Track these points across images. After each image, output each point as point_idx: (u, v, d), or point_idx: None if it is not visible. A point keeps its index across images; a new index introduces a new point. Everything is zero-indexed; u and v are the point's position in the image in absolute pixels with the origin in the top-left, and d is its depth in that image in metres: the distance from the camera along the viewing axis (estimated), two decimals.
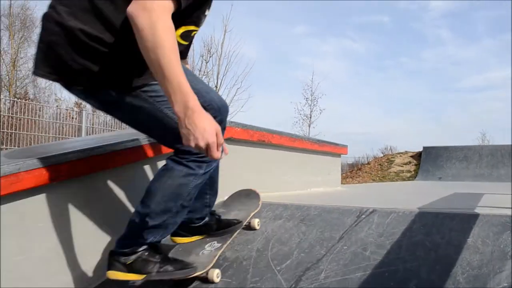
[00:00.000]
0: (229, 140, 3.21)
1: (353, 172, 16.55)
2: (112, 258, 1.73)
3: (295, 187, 4.26)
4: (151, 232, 1.73)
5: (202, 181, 1.80)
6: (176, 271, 1.78)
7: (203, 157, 1.69)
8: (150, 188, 1.74)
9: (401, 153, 17.20)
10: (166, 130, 1.65)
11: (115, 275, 1.71)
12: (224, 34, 21.82)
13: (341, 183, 5.61)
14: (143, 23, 1.32)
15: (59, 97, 21.53)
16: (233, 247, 2.33)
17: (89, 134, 12.21)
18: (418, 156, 15.82)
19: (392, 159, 16.41)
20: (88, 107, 18.70)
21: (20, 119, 11.48)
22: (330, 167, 5.21)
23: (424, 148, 15.41)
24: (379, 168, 15.83)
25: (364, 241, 2.20)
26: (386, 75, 40.03)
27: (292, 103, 29.01)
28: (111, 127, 14.34)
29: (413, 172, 14.78)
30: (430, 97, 38.74)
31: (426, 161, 14.91)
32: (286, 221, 2.58)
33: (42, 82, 22.42)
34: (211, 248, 2.11)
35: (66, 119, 12.93)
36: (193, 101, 1.37)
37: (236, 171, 3.31)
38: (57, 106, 17.97)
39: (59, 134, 12.32)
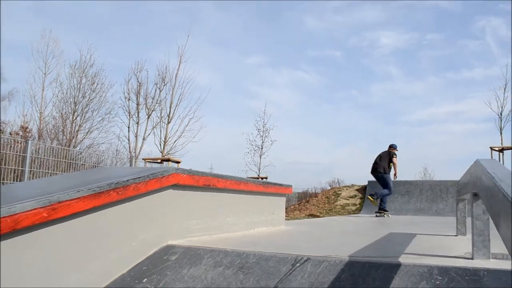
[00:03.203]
0: (175, 186, 3.33)
1: (301, 204, 16.88)
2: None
3: (240, 228, 4.40)
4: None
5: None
6: None
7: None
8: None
9: (348, 186, 17.78)
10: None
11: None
12: (179, 64, 21.95)
13: (290, 216, 5.79)
14: (396, 163, 9.50)
15: (3, 121, 20.65)
16: None
17: (34, 164, 11.78)
18: (363, 189, 16.44)
19: (339, 192, 16.93)
20: (33, 134, 18.05)
21: None
22: (274, 207, 5.40)
23: (369, 182, 16.00)
24: (326, 201, 16.26)
25: None
26: (336, 107, 41.54)
27: (244, 133, 29.21)
28: (57, 157, 13.89)
29: (358, 206, 15.31)
30: (379, 130, 40.48)
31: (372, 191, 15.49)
32: (226, 268, 2.71)
33: None
34: None
35: (9, 146, 12.40)
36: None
37: (179, 217, 3.42)
38: (0, 130, 17.24)
39: (2, 163, 11.77)
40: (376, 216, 10.44)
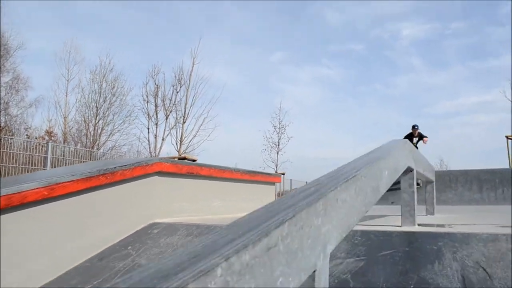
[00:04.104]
0: (160, 173, 3.96)
1: None
2: None
3: (228, 212, 5.00)
4: None
5: None
6: None
7: None
8: None
9: None
10: None
11: None
12: (193, 66, 22.73)
13: None
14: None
15: (29, 126, 21.87)
16: (149, 256, 3.05)
17: (55, 165, 12.67)
18: None
19: None
20: (58, 138, 19.10)
21: None
22: (264, 194, 5.98)
23: None
24: None
25: None
26: (360, 101, 41.59)
27: (260, 131, 29.83)
28: (81, 158, 14.83)
29: None
30: (402, 123, 40.43)
31: None
32: (194, 237, 3.32)
33: (14, 110, 22.77)
34: None
35: (35, 149, 13.39)
36: None
37: (165, 200, 4.05)
38: (27, 135, 18.37)
39: (28, 164, 12.76)
40: None
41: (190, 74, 22.89)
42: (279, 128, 25.32)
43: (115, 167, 3.44)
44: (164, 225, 3.69)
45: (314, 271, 1.08)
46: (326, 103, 40.61)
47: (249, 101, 39.30)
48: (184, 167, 4.23)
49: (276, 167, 24.37)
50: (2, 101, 21.25)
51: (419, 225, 3.33)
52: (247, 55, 37.65)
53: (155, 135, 22.96)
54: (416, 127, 11.66)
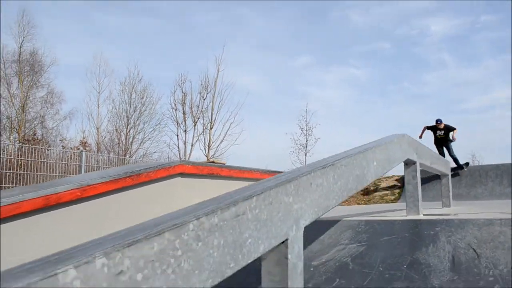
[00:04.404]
0: (182, 174, 4.27)
1: None
2: None
3: None
4: None
5: None
6: None
7: None
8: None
9: (388, 177, 18.08)
10: None
11: None
12: (217, 73, 23.20)
13: None
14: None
15: (64, 137, 22.84)
16: None
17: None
18: (402, 179, 16.71)
19: (378, 183, 17.28)
20: (92, 148, 19.87)
21: (27, 161, 12.63)
22: None
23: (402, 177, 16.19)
24: (365, 192, 16.69)
25: None
26: (389, 100, 41.04)
27: (287, 134, 30.00)
28: (114, 166, 15.43)
29: (396, 195, 15.64)
30: (433, 120, 39.58)
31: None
32: None
33: (50, 123, 23.82)
34: None
35: (70, 158, 14.07)
36: None
37: (188, 198, 4.36)
38: (62, 146, 19.23)
39: (64, 173, 13.43)
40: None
41: (215, 81, 23.38)
42: (306, 130, 25.40)
43: (140, 170, 3.77)
44: None
45: (286, 240, 1.33)
46: (353, 104, 40.32)
47: (276, 105, 39.50)
48: (205, 169, 4.53)
49: None
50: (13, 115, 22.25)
51: (424, 215, 3.50)
52: (272, 60, 37.88)
53: (184, 142, 23.52)
54: (439, 121, 11.65)
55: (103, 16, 33.12)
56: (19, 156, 13.20)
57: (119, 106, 24.38)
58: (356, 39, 39.05)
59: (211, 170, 4.61)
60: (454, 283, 2.16)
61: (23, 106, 22.59)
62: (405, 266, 2.41)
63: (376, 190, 16.46)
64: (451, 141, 11.83)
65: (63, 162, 12.95)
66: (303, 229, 1.45)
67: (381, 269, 2.44)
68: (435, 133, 11.86)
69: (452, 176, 11.94)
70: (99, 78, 24.88)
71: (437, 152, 11.18)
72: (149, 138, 24.41)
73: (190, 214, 0.97)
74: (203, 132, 22.96)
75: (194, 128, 23.37)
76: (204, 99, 23.41)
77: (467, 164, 12.47)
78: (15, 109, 22.48)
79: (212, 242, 1.00)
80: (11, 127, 22.12)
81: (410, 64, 39.89)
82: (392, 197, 15.40)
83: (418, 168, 3.44)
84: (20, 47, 23.28)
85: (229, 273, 1.06)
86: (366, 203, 15.37)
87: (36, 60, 23.90)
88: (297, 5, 36.66)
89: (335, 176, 1.73)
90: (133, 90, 24.45)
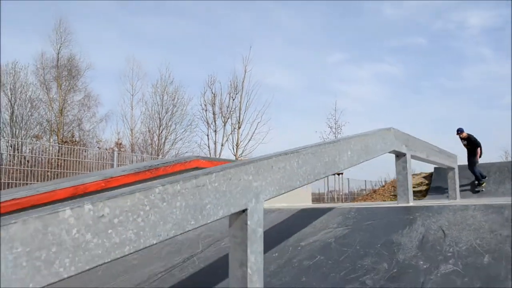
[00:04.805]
0: (197, 169, 4.69)
1: (368, 195, 17.52)
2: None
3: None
4: None
5: None
6: None
7: None
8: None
9: (415, 174, 18.02)
10: None
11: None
12: (244, 73, 23.67)
13: None
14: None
15: (100, 138, 23.92)
16: None
17: None
18: (430, 176, 16.65)
19: None
20: (126, 148, 20.71)
21: (65, 160, 13.48)
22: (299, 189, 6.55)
23: (435, 168, 16.15)
24: (392, 190, 16.72)
25: None
26: (423, 97, 40.18)
27: (317, 132, 30.16)
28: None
29: (424, 192, 15.62)
30: (470, 116, 38.62)
31: (437, 181, 15.67)
32: None
33: (87, 125, 24.97)
34: None
35: (105, 158, 14.85)
36: None
37: None
38: (98, 147, 20.19)
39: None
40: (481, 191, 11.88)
41: (243, 82, 23.86)
42: (335, 129, 25.52)
43: (158, 164, 4.21)
44: None
45: (246, 209, 1.71)
46: (386, 100, 39.80)
47: (307, 103, 39.55)
48: (219, 163, 4.93)
49: None
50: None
51: (413, 202, 3.78)
52: (304, 57, 37.89)
53: (215, 142, 24.11)
54: (459, 131, 11.13)
55: (135, 19, 34.25)
56: (58, 156, 14.09)
57: (152, 108, 25.28)
58: (391, 34, 38.41)
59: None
60: (416, 258, 2.47)
61: (61, 109, 23.78)
62: (379, 245, 2.73)
63: None
64: (475, 156, 11.25)
65: (99, 161, 13.74)
66: (263, 202, 1.82)
67: (358, 247, 2.77)
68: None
69: (473, 192, 11.85)
70: (132, 81, 25.87)
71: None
72: (180, 139, 25.19)
73: (158, 183, 1.37)
74: (232, 132, 23.50)
75: (224, 128, 23.96)
76: (233, 99, 23.96)
77: (481, 183, 11.94)
78: (54, 112, 23.71)
79: (175, 203, 1.39)
80: (50, 129, 23.35)
81: (447, 59, 38.95)
82: (419, 194, 15.39)
83: (409, 160, 3.72)
84: (58, 53, 24.52)
85: (190, 228, 1.45)
86: (392, 200, 15.44)
87: (73, 65, 25.09)
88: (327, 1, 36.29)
89: (299, 162, 2.09)
90: (165, 92, 25.29)
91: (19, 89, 23.10)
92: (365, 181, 26.55)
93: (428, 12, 36.60)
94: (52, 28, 24.63)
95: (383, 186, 18.06)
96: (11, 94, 22.79)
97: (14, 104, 22.74)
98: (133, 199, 1.26)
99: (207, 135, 24.18)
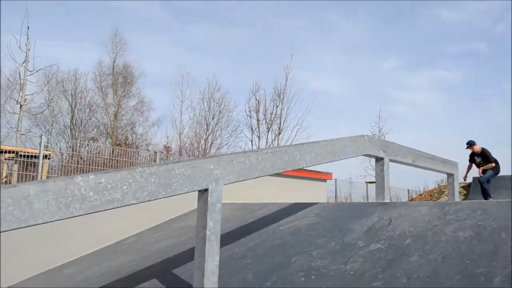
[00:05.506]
0: None
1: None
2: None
3: (280, 199, 6.38)
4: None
5: None
6: None
7: None
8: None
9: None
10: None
11: None
12: (286, 81, 24.43)
13: None
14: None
15: (149, 142, 25.55)
16: None
17: None
18: (468, 186, 16.57)
19: (444, 190, 17.26)
20: (174, 152, 21.94)
21: (118, 161, 14.81)
22: (316, 189, 7.22)
23: (474, 178, 16.03)
24: (429, 198, 16.79)
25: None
26: (485, 105, 38.07)
27: None
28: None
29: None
30: None
31: (474, 191, 15.57)
32: (236, 210, 4.77)
33: (139, 129, 26.69)
34: None
35: (153, 160, 16.10)
36: None
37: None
38: (147, 149, 21.66)
39: None
40: None
41: (284, 89, 24.63)
42: (378, 136, 25.62)
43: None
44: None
45: (207, 189, 2.47)
46: (444, 108, 38.51)
47: (357, 109, 39.21)
48: None
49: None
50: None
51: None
52: (358, 64, 37.60)
53: (258, 147, 25.00)
54: (469, 143, 9.59)
55: (186, 27, 35.88)
56: (112, 157, 15.48)
57: (199, 114, 26.63)
58: (449, 39, 37.17)
59: None
60: (357, 239, 3.13)
61: (116, 114, 25.61)
62: (337, 230, 3.40)
63: (440, 197, 16.49)
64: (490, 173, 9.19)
65: (149, 163, 15.03)
66: (223, 185, 2.58)
67: (320, 231, 3.45)
68: (475, 162, 9.62)
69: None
70: (182, 88, 27.37)
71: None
72: (226, 143, 26.30)
73: (139, 167, 2.17)
74: (274, 138, 24.29)
75: (267, 134, 24.81)
76: (277, 107, 24.78)
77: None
78: (109, 116, 25.58)
79: (151, 179, 2.19)
80: (106, 133, 25.23)
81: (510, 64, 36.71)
82: None
83: (387, 163, 4.31)
84: (114, 61, 26.45)
85: (161, 197, 2.23)
86: None
87: (128, 72, 26.95)
88: (383, 4, 35.87)
89: (259, 158, 2.82)
90: (212, 98, 26.55)
91: (79, 95, 25.17)
92: (408, 190, 26.37)
93: (489, 15, 34.89)
94: (108, 39, 26.66)
95: (420, 195, 18.11)
96: (72, 99, 24.90)
97: (74, 109, 24.82)
98: (121, 174, 2.07)
99: (251, 141, 25.12)
